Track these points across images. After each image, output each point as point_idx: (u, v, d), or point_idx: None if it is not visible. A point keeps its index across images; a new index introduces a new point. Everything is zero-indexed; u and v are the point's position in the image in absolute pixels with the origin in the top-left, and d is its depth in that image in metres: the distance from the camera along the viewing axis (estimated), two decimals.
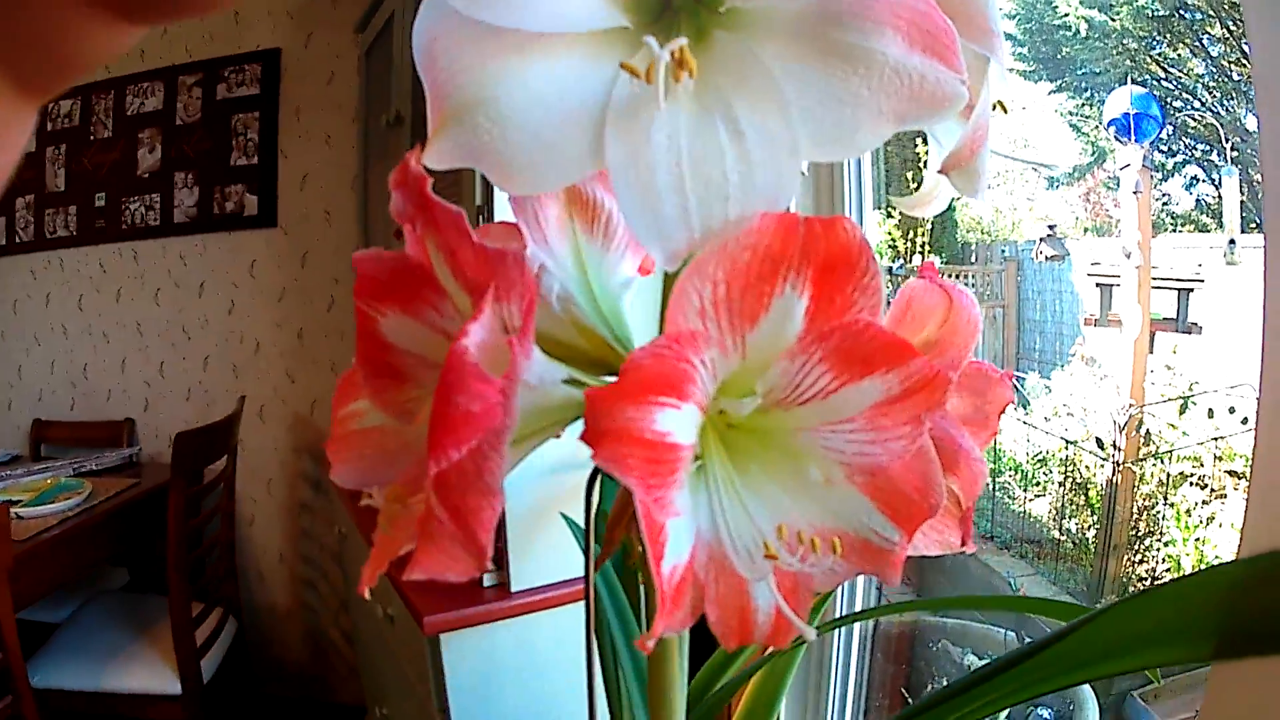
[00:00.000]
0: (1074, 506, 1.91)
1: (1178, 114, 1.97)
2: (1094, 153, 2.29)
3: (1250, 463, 0.67)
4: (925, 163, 0.47)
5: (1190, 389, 1.72)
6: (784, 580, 0.33)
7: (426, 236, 0.32)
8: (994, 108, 0.36)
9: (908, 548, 0.34)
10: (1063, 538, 1.91)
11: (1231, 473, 1.51)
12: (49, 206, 2.76)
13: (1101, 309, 2.20)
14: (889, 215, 2.18)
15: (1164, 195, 2.01)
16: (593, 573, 0.45)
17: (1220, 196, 1.81)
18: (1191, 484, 1.58)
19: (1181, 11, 1.99)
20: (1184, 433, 1.66)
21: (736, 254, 0.27)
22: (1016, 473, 2.10)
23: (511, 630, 1.32)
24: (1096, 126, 2.23)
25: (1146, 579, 1.61)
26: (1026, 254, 2.42)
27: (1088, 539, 1.83)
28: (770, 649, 0.59)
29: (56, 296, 2.83)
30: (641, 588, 0.57)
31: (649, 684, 0.44)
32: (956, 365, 0.39)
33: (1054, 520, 1.96)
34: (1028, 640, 0.64)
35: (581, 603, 0.75)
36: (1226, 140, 1.87)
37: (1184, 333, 1.86)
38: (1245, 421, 1.54)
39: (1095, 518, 1.81)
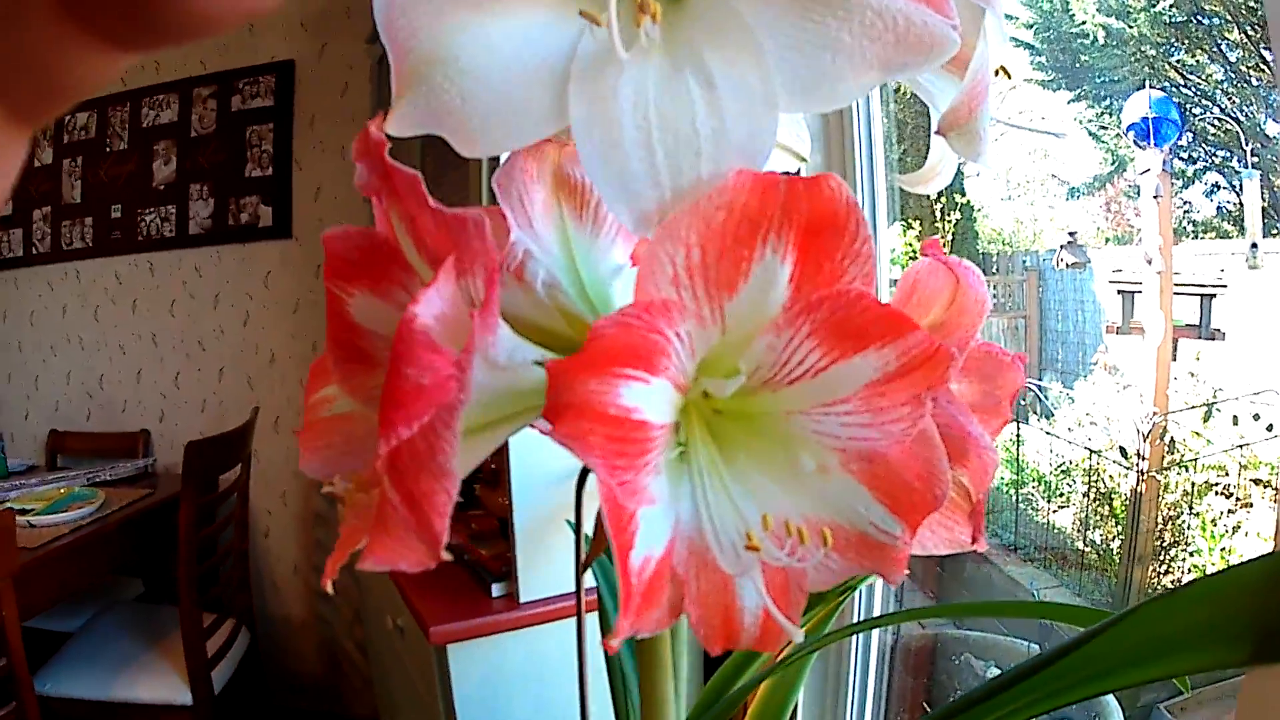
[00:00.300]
0: (1098, 517, 1.88)
1: (1197, 120, 1.95)
2: (1114, 162, 2.27)
3: (1276, 470, 0.64)
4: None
5: (1214, 396, 1.68)
6: (773, 578, 0.30)
7: (390, 208, 0.30)
8: (996, 74, 0.34)
9: (912, 544, 0.32)
10: (1087, 548, 1.88)
11: (1258, 481, 1.47)
12: (65, 218, 2.78)
13: (1123, 316, 2.18)
14: (909, 226, 2.17)
15: (1185, 203, 1.99)
16: (582, 573, 0.43)
17: (1241, 202, 1.78)
18: (1217, 493, 1.53)
19: (1199, 18, 1.98)
20: (1208, 441, 1.62)
21: (710, 214, 0.25)
22: (1040, 483, 2.07)
23: (520, 641, 1.30)
24: (1116, 135, 2.21)
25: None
26: (1048, 264, 2.39)
27: (1112, 549, 1.79)
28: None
29: (73, 308, 2.85)
30: None
31: (640, 684, 0.41)
32: (963, 345, 0.37)
33: (1078, 531, 1.93)
34: None
35: (594, 614, 0.73)
36: (1246, 144, 1.85)
37: (1207, 339, 1.82)
38: (1270, 429, 1.50)
39: (1119, 528, 1.77)
